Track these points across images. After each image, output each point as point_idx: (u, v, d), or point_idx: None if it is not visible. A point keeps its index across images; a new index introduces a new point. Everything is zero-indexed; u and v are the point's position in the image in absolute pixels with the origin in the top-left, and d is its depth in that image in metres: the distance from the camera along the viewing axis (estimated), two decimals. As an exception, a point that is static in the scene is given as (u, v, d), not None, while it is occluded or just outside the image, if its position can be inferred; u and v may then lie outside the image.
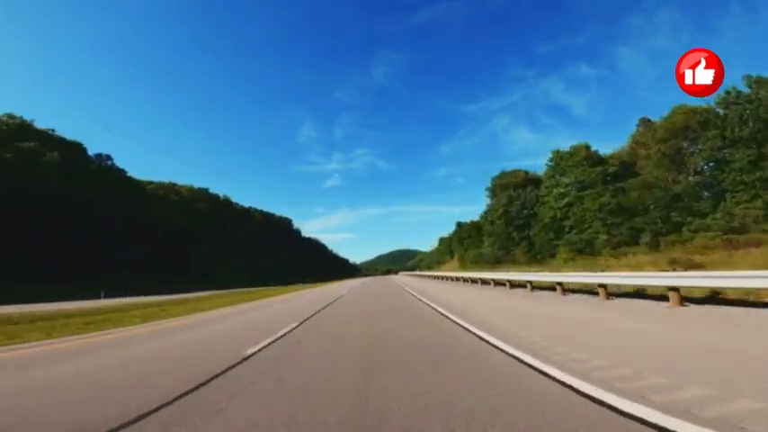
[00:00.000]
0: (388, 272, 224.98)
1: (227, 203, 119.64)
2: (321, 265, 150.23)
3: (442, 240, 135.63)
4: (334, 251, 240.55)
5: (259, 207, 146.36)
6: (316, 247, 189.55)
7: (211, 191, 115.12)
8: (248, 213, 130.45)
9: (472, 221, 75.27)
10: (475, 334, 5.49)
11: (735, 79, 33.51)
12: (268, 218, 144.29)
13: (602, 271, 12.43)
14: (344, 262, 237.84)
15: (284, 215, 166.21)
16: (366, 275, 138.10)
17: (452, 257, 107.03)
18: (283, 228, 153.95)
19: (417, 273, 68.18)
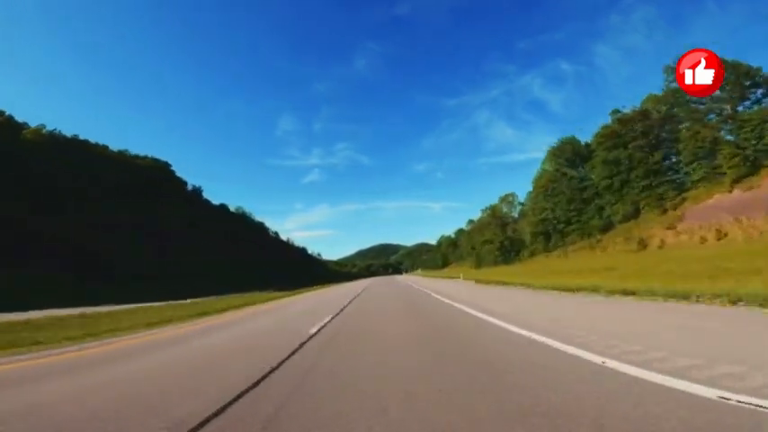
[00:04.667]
0: (369, 268, 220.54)
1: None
2: (265, 263, 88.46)
3: (552, 156, 61.03)
4: (291, 240, 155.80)
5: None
6: (257, 233, 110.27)
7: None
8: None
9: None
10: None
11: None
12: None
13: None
14: (304, 254, 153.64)
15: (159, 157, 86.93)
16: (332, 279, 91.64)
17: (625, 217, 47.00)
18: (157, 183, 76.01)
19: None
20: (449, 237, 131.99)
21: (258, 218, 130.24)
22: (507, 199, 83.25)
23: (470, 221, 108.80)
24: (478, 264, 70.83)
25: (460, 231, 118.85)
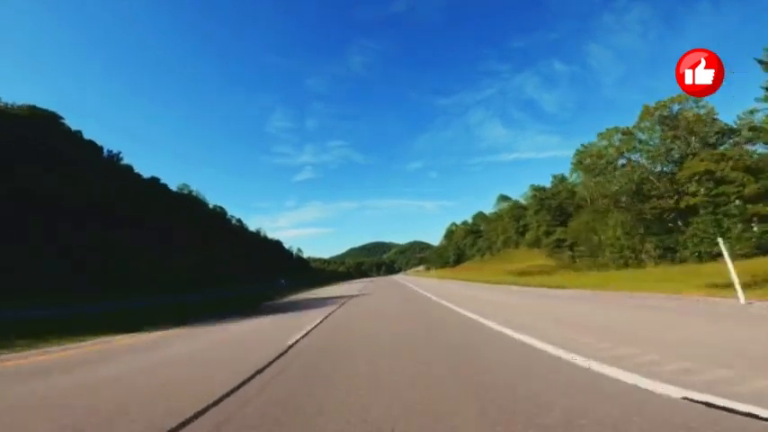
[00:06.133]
0: (360, 266, 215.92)
1: None
2: (219, 259, 64.62)
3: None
4: (264, 232, 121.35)
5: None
6: (211, 219, 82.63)
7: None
8: None
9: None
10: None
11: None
12: None
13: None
14: (280, 250, 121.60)
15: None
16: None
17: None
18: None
19: None
20: (464, 223, 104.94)
21: (242, 214, 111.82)
22: (647, 117, 29.93)
23: (503, 197, 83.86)
24: (621, 258, 30.80)
25: (479, 216, 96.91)
